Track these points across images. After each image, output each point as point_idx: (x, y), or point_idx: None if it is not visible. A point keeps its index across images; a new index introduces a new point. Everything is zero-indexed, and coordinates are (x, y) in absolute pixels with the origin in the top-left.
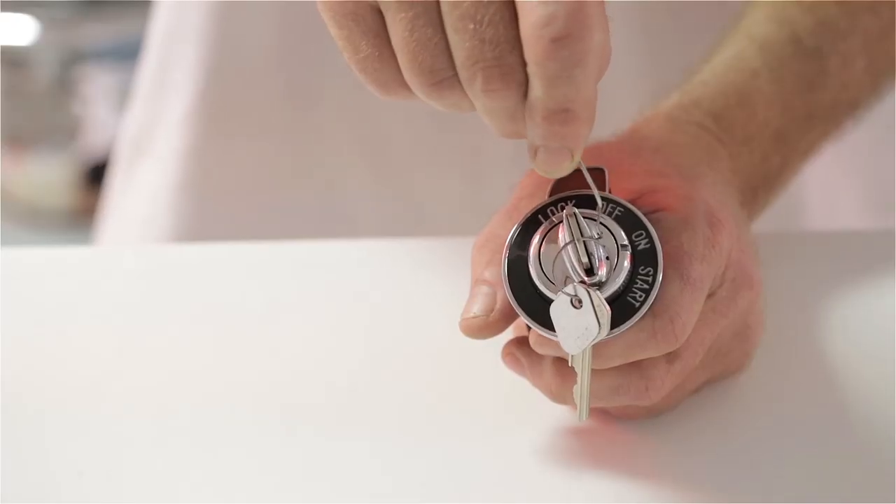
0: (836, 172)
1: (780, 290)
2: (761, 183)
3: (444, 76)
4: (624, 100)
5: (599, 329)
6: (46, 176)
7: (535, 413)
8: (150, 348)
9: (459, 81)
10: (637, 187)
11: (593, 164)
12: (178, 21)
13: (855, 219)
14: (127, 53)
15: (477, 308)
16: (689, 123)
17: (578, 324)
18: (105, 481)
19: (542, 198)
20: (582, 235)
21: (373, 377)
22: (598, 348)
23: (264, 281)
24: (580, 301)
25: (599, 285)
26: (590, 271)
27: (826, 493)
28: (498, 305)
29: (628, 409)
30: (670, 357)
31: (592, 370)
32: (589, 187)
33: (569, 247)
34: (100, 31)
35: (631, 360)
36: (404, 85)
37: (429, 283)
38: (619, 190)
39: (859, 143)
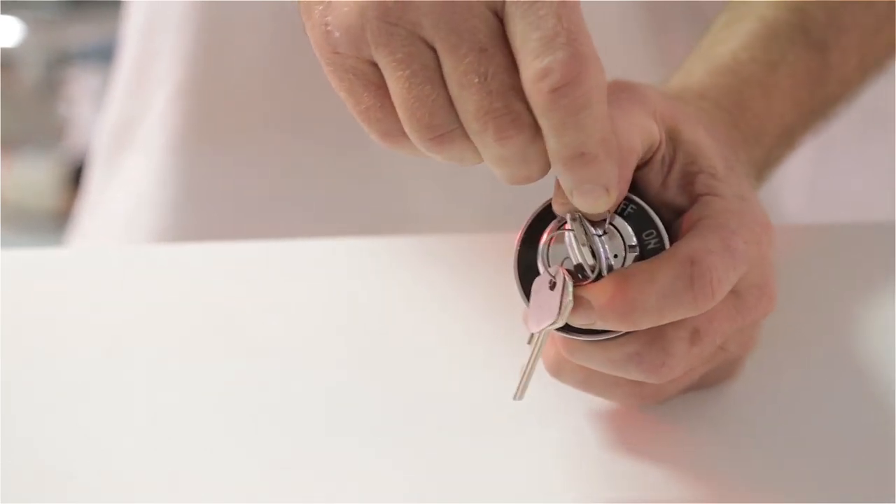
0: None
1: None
2: (756, 182)
3: (444, 130)
4: None
5: (556, 317)
6: (33, 177)
7: (529, 411)
8: (137, 349)
9: (461, 134)
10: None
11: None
12: (158, 12)
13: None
14: (112, 54)
15: None
16: (721, 110)
17: (546, 305)
18: (93, 483)
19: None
20: (586, 236)
21: (362, 376)
22: (635, 300)
23: (252, 280)
24: (554, 285)
25: (593, 279)
26: (592, 268)
27: (826, 493)
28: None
29: (622, 393)
30: (693, 339)
31: (615, 336)
32: None
33: (574, 243)
34: (85, 32)
35: (664, 317)
36: (406, 135)
37: (416, 281)
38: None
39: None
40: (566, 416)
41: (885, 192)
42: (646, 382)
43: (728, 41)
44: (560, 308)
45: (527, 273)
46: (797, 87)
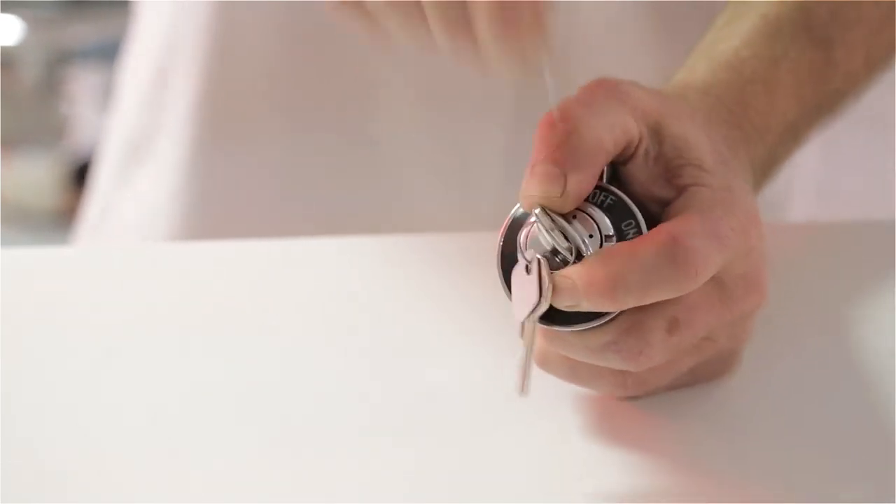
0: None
1: (777, 281)
2: (761, 179)
3: None
4: None
5: (539, 301)
6: (34, 176)
7: (529, 409)
8: (138, 349)
9: None
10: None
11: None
12: (175, 28)
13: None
14: (113, 53)
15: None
16: (723, 108)
17: (526, 291)
18: (93, 483)
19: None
20: (553, 222)
21: (362, 375)
22: (617, 276)
23: (252, 280)
24: (530, 269)
25: (566, 263)
26: (569, 250)
27: (825, 492)
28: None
29: (606, 384)
30: (672, 328)
31: (592, 328)
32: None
33: (542, 231)
34: (85, 31)
35: (648, 294)
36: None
37: (418, 280)
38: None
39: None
40: (567, 416)
41: (886, 190)
42: (629, 373)
43: (730, 38)
44: (540, 288)
45: (510, 271)
46: (800, 83)
